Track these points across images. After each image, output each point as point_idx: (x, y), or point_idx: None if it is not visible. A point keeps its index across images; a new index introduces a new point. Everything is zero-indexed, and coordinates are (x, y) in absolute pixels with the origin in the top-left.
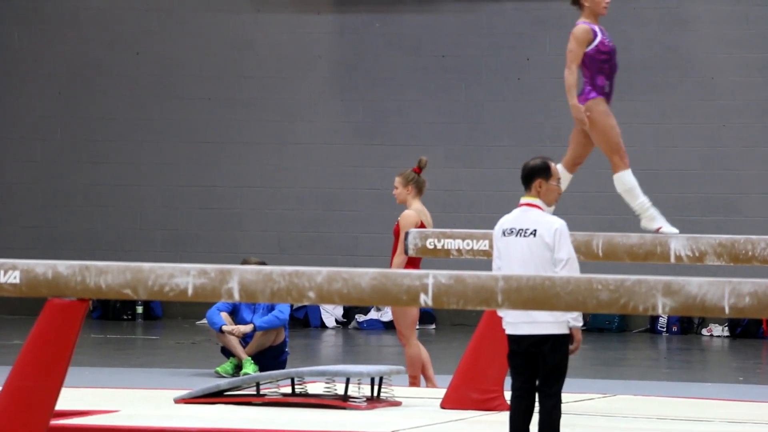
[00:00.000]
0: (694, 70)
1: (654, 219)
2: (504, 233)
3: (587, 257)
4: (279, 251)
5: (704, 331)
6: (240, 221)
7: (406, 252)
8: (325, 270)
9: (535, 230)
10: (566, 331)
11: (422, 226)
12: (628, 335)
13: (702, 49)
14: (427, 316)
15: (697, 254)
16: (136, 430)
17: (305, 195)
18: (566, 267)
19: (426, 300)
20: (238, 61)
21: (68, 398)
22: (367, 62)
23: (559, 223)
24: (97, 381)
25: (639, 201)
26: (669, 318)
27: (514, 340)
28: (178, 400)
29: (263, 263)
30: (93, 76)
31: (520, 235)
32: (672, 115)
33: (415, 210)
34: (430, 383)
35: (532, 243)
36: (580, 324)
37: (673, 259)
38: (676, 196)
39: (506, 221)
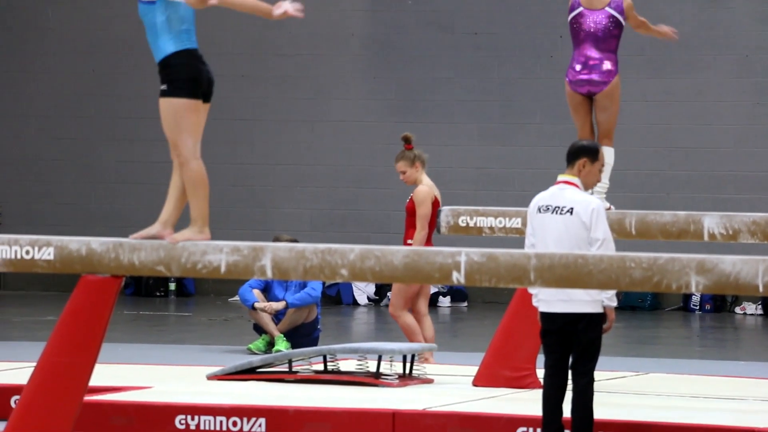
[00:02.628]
0: (729, 48)
1: (603, 201)
2: (540, 210)
3: (620, 235)
4: (311, 228)
5: (737, 309)
6: (272, 199)
7: (438, 230)
8: (357, 248)
9: (572, 208)
10: (600, 310)
11: (436, 200)
12: (661, 313)
13: (737, 27)
14: (459, 294)
15: (730, 232)
16: (169, 406)
17: (337, 172)
18: (602, 247)
19: (458, 278)
20: (271, 38)
21: (102, 374)
22: (400, 40)
23: (597, 203)
24: (130, 357)
25: (605, 182)
26: (702, 296)
27: (547, 317)
28: (210, 377)
29: (295, 240)
30: (126, 54)
31: (556, 213)
32: (707, 93)
33: (427, 185)
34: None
35: (568, 221)
36: (614, 304)
37: (706, 237)
38: (710, 174)
39: (542, 198)
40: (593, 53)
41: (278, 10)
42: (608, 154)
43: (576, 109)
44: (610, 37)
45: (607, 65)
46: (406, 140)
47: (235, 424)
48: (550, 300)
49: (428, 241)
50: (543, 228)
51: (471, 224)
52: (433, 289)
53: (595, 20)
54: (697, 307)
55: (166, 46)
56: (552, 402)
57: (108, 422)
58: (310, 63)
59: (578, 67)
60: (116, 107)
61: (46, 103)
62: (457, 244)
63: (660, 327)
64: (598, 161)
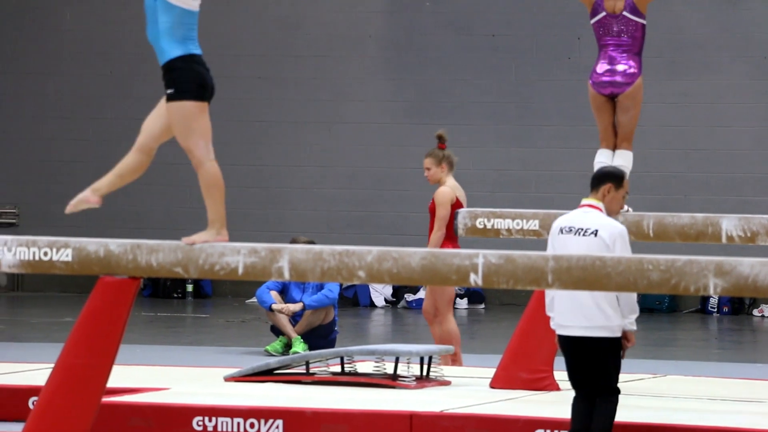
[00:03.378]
0: (747, 50)
1: None
2: (562, 231)
3: (638, 237)
4: (328, 230)
5: (755, 312)
6: (289, 200)
7: (455, 232)
8: (375, 249)
9: (596, 230)
10: (619, 335)
11: (458, 202)
12: (679, 315)
13: (755, 29)
14: (476, 296)
15: (748, 234)
16: (187, 407)
17: (354, 174)
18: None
19: (476, 279)
20: (289, 40)
21: (119, 376)
22: (417, 41)
23: (621, 228)
24: (147, 359)
25: None
26: (720, 298)
27: (565, 341)
28: (227, 378)
29: (312, 242)
30: (144, 56)
31: (579, 234)
32: (725, 94)
33: (449, 187)
34: (457, 362)
35: (592, 243)
36: (635, 328)
37: (724, 240)
38: (728, 176)
39: (564, 220)
40: (616, 55)
41: None
42: (627, 158)
43: (599, 110)
44: (633, 40)
45: (630, 67)
46: (440, 139)
47: (252, 425)
48: (567, 325)
49: (454, 243)
50: (565, 248)
51: (488, 226)
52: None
53: (618, 24)
54: (715, 310)
55: (173, 49)
56: (583, 413)
57: (126, 424)
58: (328, 65)
59: (601, 69)
60: (134, 109)
61: (64, 105)
62: (475, 246)
63: (678, 329)
64: (622, 188)
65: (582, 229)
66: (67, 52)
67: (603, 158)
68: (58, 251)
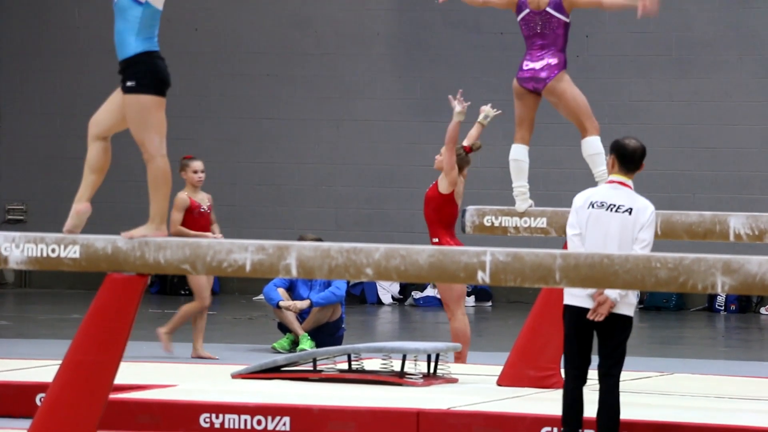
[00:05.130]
0: (755, 48)
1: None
2: (593, 205)
3: None
4: (336, 228)
5: (763, 310)
6: (297, 198)
7: (463, 230)
8: (383, 247)
9: (630, 208)
10: (631, 313)
11: (452, 195)
12: (686, 314)
13: (764, 27)
14: (483, 294)
15: (756, 233)
16: (194, 404)
17: (363, 172)
18: (647, 248)
19: (483, 277)
20: (298, 38)
21: (127, 373)
22: (426, 39)
23: (653, 208)
24: (155, 356)
25: (601, 168)
26: (727, 297)
27: (576, 312)
28: (235, 375)
29: (320, 240)
30: None
31: (612, 210)
32: (733, 93)
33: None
34: (460, 360)
35: (626, 220)
36: (615, 299)
37: (732, 238)
38: (736, 175)
39: (595, 194)
40: (539, 52)
41: None
42: (590, 144)
43: (517, 100)
44: (555, 36)
45: (550, 63)
46: (472, 145)
47: (259, 422)
48: (581, 295)
49: (454, 239)
50: (597, 223)
51: (496, 224)
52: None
53: (542, 20)
54: (722, 308)
55: (139, 44)
56: (577, 402)
57: (133, 420)
58: (336, 62)
59: (525, 65)
60: None
61: (73, 102)
62: (483, 243)
63: (685, 327)
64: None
65: (614, 206)
66: (76, 50)
67: (517, 154)
68: (66, 248)
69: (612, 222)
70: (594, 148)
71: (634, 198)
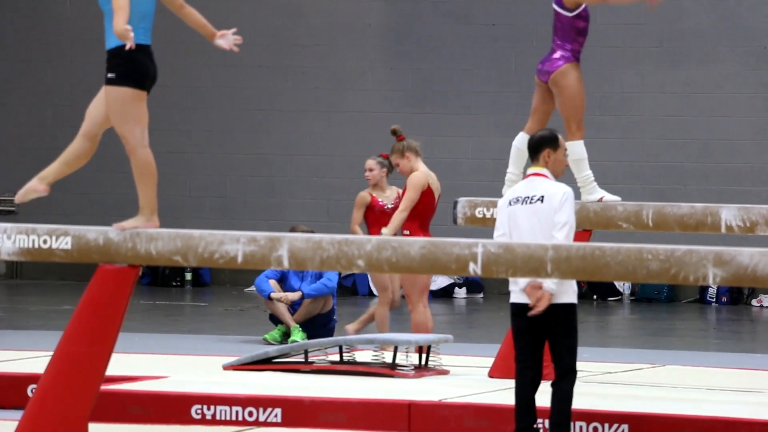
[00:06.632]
0: (746, 40)
1: (596, 191)
2: (510, 203)
3: (637, 227)
4: (328, 219)
5: (754, 302)
6: (289, 189)
7: (455, 221)
8: (374, 238)
9: (542, 196)
10: (575, 301)
11: (429, 189)
12: (677, 305)
13: (755, 19)
14: (475, 286)
15: (748, 224)
16: (185, 396)
17: (354, 163)
18: (564, 229)
19: (475, 269)
20: (290, 28)
21: (118, 364)
22: (417, 31)
23: (568, 189)
24: (146, 347)
25: (585, 174)
26: (718, 288)
27: (518, 308)
28: (226, 367)
29: (311, 231)
30: None
31: (526, 203)
32: (724, 84)
33: (422, 172)
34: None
35: (539, 209)
36: (552, 290)
37: (723, 230)
38: (728, 166)
39: (512, 192)
40: (552, 45)
41: (220, 39)
42: (571, 148)
43: (535, 91)
44: (562, 32)
45: (557, 56)
46: (394, 133)
47: (251, 414)
48: (518, 290)
49: (425, 231)
50: (516, 220)
51: (488, 215)
52: (448, 280)
53: (553, 16)
54: (714, 300)
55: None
56: (528, 396)
57: (124, 411)
58: (328, 53)
59: (542, 59)
60: None
61: (64, 93)
62: (474, 235)
63: (676, 319)
64: (560, 148)
65: (528, 197)
66: (67, 40)
67: (519, 142)
68: (58, 239)
69: (526, 213)
70: (577, 154)
71: (547, 185)
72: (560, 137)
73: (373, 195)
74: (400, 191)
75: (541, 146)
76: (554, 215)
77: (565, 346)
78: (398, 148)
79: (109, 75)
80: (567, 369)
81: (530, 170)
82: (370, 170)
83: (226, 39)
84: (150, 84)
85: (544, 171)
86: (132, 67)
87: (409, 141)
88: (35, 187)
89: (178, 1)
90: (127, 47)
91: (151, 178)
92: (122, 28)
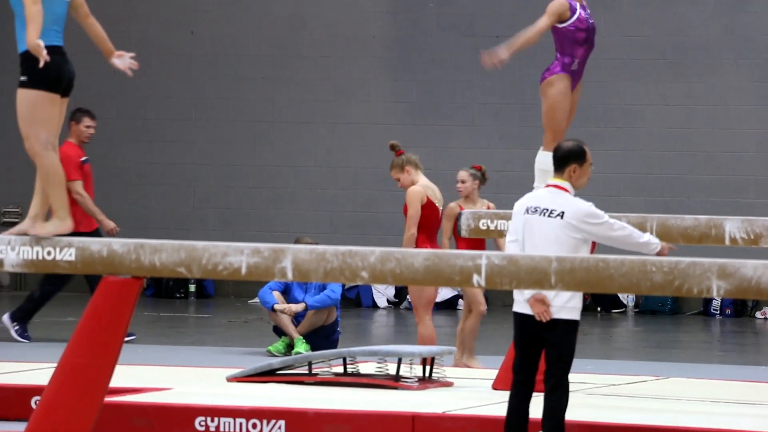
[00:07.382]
0: (750, 52)
1: None
2: (528, 211)
3: None
4: (331, 231)
5: (758, 314)
6: (293, 201)
7: (459, 233)
8: (378, 250)
9: (563, 212)
10: (577, 317)
11: (429, 201)
12: (681, 317)
13: (759, 31)
14: None
15: (752, 237)
16: (189, 407)
17: (358, 175)
18: (624, 230)
19: (479, 281)
20: (293, 40)
21: (122, 375)
22: (421, 42)
23: (587, 206)
24: (150, 359)
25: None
26: (722, 301)
27: (521, 319)
28: (230, 379)
29: (315, 243)
30: (147, 55)
31: (545, 215)
32: (728, 97)
33: (420, 185)
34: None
35: (557, 225)
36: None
37: (727, 242)
38: (731, 179)
39: (530, 199)
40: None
41: (117, 59)
42: (543, 161)
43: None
44: (556, 41)
45: (551, 65)
46: (393, 148)
47: (254, 426)
48: (522, 300)
49: (432, 243)
50: (531, 228)
51: (491, 227)
52: (452, 292)
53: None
54: (718, 312)
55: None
56: (519, 410)
57: (128, 423)
58: (331, 65)
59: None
60: (137, 108)
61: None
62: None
63: (680, 331)
64: (587, 162)
65: (548, 210)
66: (70, 51)
67: (540, 164)
68: (62, 251)
69: (544, 227)
70: (546, 164)
71: (568, 201)
72: (587, 150)
73: (463, 207)
74: (492, 204)
75: (569, 160)
76: (577, 235)
77: (559, 361)
78: (398, 163)
79: (22, 78)
80: (557, 385)
81: (552, 181)
82: (462, 182)
83: (123, 60)
84: (66, 87)
85: (566, 185)
86: (45, 71)
87: (408, 155)
88: (28, 229)
89: (84, 10)
90: (41, 64)
91: (59, 179)
92: (35, 43)
